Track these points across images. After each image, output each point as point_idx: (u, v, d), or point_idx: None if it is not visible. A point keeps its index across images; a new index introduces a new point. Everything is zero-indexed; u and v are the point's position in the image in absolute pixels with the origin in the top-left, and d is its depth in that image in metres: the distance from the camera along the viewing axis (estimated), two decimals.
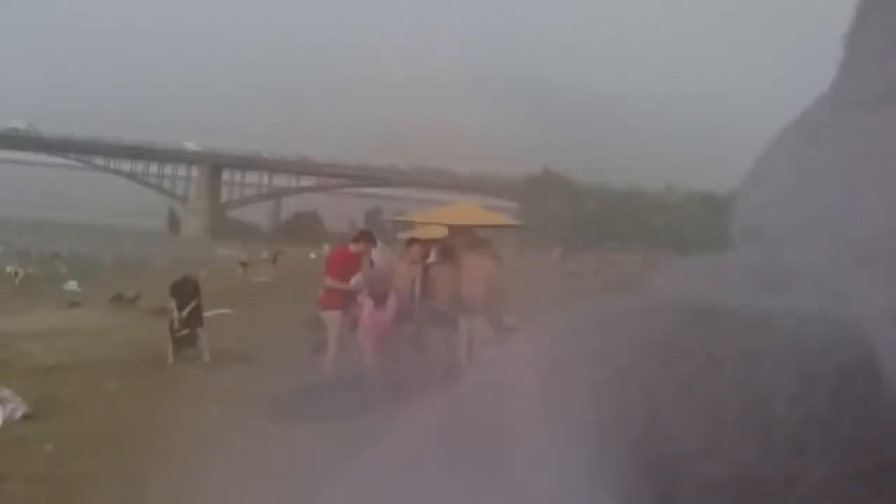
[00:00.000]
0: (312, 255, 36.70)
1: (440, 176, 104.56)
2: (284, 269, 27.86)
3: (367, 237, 8.33)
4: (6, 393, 6.01)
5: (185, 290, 9.23)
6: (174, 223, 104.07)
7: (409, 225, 13.30)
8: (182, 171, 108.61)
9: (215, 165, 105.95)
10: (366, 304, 7.59)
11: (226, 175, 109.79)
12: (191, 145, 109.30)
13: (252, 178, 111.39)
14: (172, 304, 8.97)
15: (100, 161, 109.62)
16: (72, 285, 20.63)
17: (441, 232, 10.12)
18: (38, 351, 9.34)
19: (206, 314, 9.57)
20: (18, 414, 5.95)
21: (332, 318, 7.64)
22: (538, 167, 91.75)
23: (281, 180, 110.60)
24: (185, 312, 8.89)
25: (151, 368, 8.32)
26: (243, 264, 26.87)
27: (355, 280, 7.68)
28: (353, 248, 8.03)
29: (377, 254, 9.08)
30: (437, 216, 11.59)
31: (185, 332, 8.91)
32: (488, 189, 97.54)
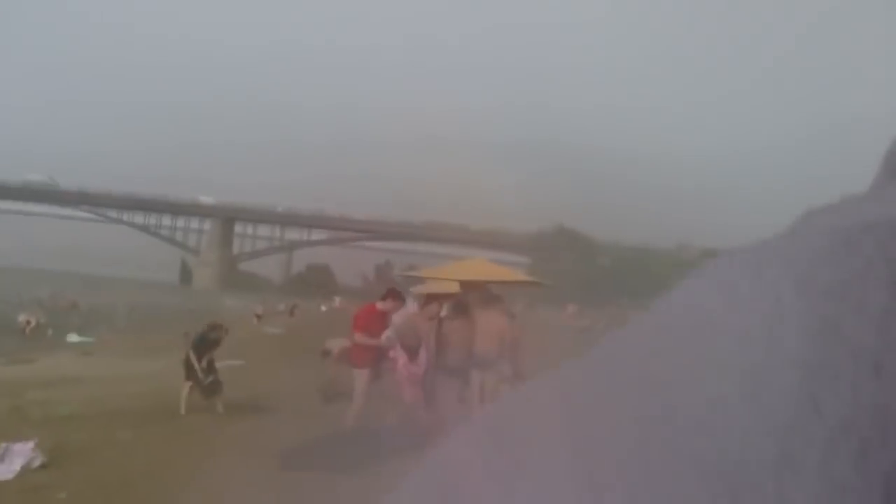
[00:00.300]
0: (323, 308, 36.75)
1: (452, 231, 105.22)
2: (296, 322, 27.97)
3: (395, 295, 8.43)
4: (25, 447, 6.06)
5: (210, 339, 9.24)
6: (186, 275, 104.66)
7: (421, 280, 13.34)
8: (195, 223, 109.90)
9: (228, 218, 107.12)
10: (400, 358, 7.67)
11: (238, 228, 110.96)
12: (205, 198, 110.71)
13: (264, 231, 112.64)
14: (192, 354, 8.98)
15: (113, 214, 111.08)
16: (73, 337, 20.65)
17: (454, 287, 10.18)
18: (52, 400, 9.38)
19: (219, 365, 9.60)
20: (36, 463, 5.99)
21: (361, 375, 7.67)
22: (551, 223, 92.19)
23: (293, 234, 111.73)
24: (204, 362, 8.94)
25: (164, 418, 8.30)
26: (258, 316, 26.95)
27: (385, 336, 7.77)
28: (380, 305, 8.12)
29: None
30: (449, 271, 11.64)
31: (212, 378, 8.92)
32: (500, 244, 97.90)
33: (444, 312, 8.49)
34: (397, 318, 9.11)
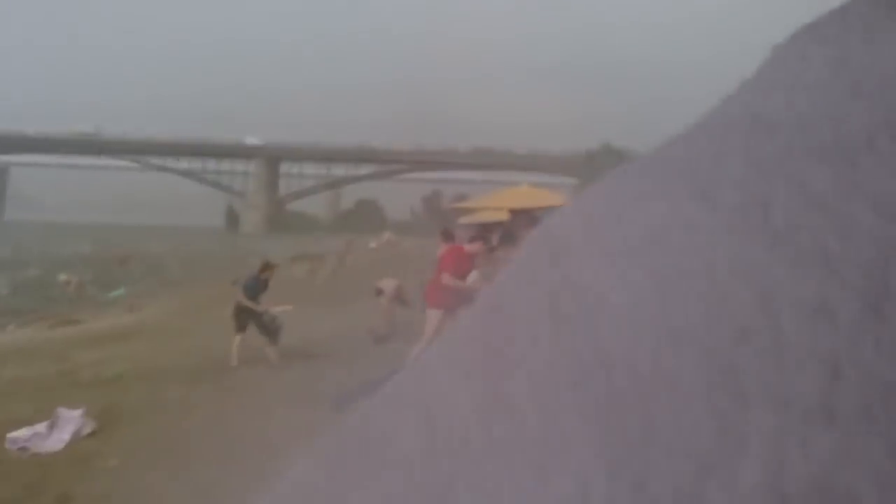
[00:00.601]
0: (372, 245, 36.53)
1: (498, 156, 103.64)
2: (346, 259, 27.77)
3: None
4: (74, 413, 5.91)
5: (263, 280, 9.13)
6: (233, 219, 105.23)
7: (470, 210, 12.96)
8: (240, 166, 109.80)
9: (273, 158, 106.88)
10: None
11: (283, 167, 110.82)
12: (250, 139, 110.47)
13: (310, 169, 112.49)
14: (246, 299, 8.80)
15: (156, 161, 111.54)
16: (114, 293, 20.78)
17: (503, 215, 9.78)
18: (100, 361, 9.35)
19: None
20: (87, 430, 5.85)
21: (436, 316, 7.31)
22: (597, 143, 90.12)
23: (339, 170, 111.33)
24: (260, 304, 8.79)
25: (215, 373, 8.14)
26: (313, 262, 26.87)
27: (472, 278, 7.43)
28: (468, 248, 7.75)
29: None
30: (496, 200, 11.23)
31: (272, 317, 8.81)
32: (548, 167, 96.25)
33: (494, 242, 8.10)
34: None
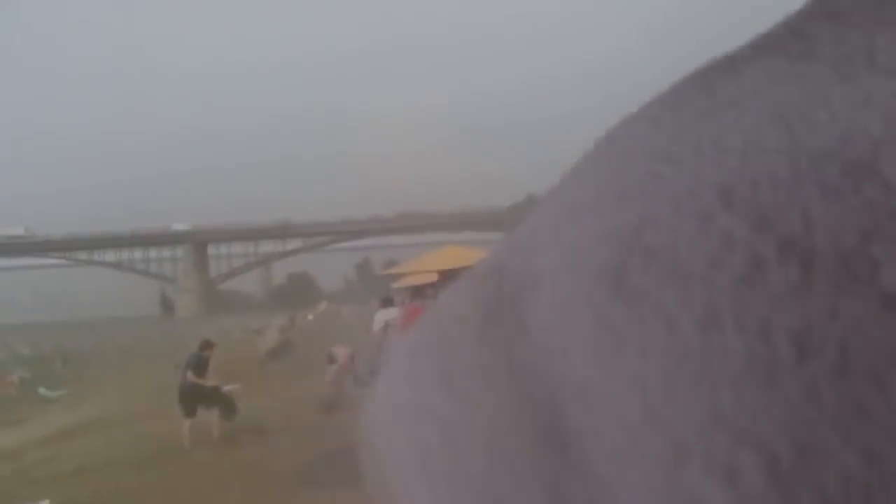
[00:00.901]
0: (310, 317, 36.33)
1: (423, 219, 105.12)
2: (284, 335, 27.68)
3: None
4: None
5: (205, 357, 9.16)
6: (167, 305, 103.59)
7: (400, 275, 13.37)
8: (168, 252, 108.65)
9: (200, 242, 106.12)
10: None
11: (212, 249, 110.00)
12: (178, 225, 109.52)
13: (238, 248, 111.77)
14: (192, 377, 8.86)
15: (83, 256, 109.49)
16: (43, 391, 20.27)
17: (432, 277, 10.23)
18: (54, 457, 9.31)
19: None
20: None
21: None
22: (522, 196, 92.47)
23: (267, 246, 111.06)
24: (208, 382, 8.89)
25: (169, 457, 8.21)
26: (258, 332, 26.66)
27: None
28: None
29: (379, 315, 9.44)
30: (424, 263, 11.70)
31: (224, 397, 8.88)
32: (473, 224, 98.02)
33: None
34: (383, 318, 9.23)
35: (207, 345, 9.40)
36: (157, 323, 75.45)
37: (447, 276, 9.66)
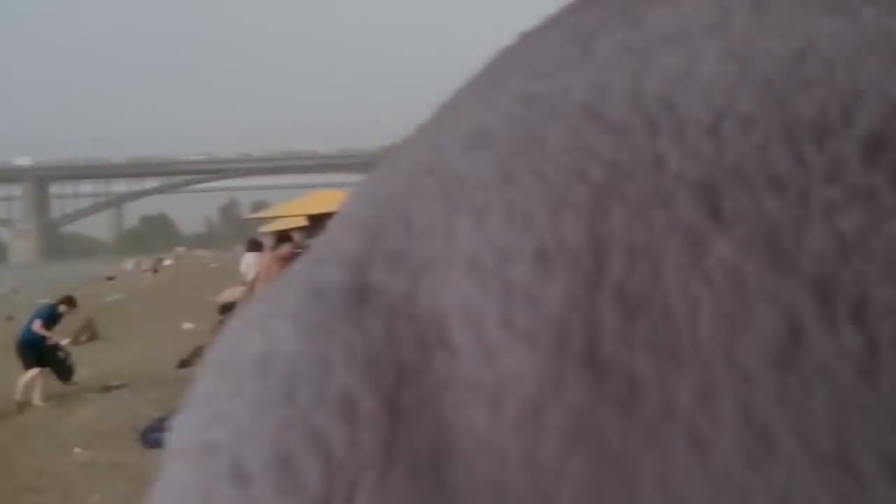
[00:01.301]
0: (167, 262, 34.56)
1: (295, 159, 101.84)
2: (132, 284, 26.03)
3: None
4: None
5: (59, 314, 8.67)
6: (0, 249, 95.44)
7: (270, 220, 12.81)
8: (2, 191, 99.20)
9: (42, 179, 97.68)
10: None
11: (55, 188, 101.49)
12: (19, 160, 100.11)
13: (86, 187, 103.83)
14: (42, 330, 8.29)
15: None
16: None
17: (300, 221, 9.81)
18: None
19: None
20: None
21: None
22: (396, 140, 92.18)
23: (119, 186, 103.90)
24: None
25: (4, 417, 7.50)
26: (109, 278, 25.08)
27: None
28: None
29: (248, 259, 8.95)
30: (297, 207, 11.18)
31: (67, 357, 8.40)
32: (347, 167, 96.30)
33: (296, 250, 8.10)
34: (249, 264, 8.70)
35: (68, 300, 8.93)
36: None
37: (317, 220, 9.19)
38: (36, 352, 8.09)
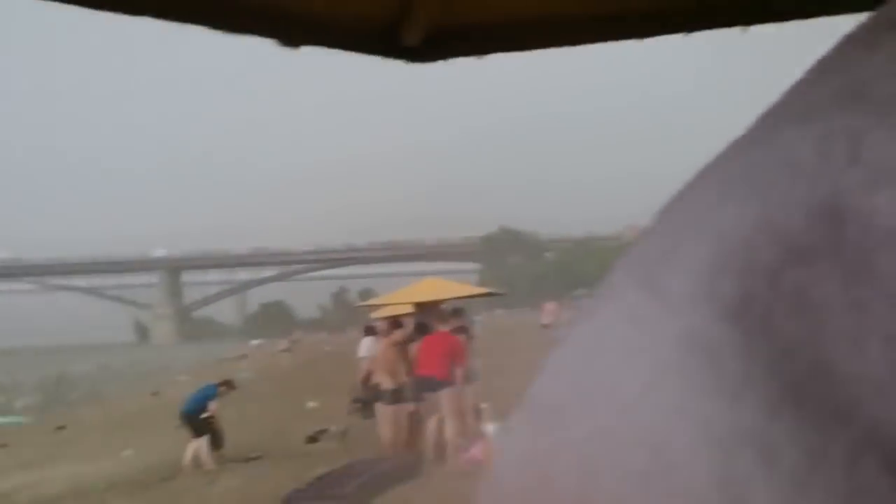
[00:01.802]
0: (283, 347, 36.25)
1: (397, 248, 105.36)
2: (259, 364, 27.82)
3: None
4: None
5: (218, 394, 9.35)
6: (142, 332, 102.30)
7: (378, 307, 13.63)
8: (142, 279, 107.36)
9: (174, 268, 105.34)
10: None
11: (187, 276, 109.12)
12: (156, 252, 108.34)
13: (213, 276, 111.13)
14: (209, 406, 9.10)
15: (59, 280, 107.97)
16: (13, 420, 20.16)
17: (407, 308, 10.55)
18: (36, 482, 9.43)
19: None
20: None
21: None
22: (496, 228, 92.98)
23: (242, 274, 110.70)
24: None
25: (155, 483, 8.37)
26: (240, 357, 26.40)
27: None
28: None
29: (365, 343, 9.91)
30: (405, 295, 12.00)
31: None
32: (448, 255, 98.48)
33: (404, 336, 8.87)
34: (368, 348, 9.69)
35: (228, 384, 9.67)
36: (131, 349, 74.60)
37: (423, 307, 10.05)
38: (197, 423, 8.97)
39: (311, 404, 13.01)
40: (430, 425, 7.77)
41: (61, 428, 15.91)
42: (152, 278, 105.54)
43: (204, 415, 8.99)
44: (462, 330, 8.56)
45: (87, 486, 8.72)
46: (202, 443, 8.87)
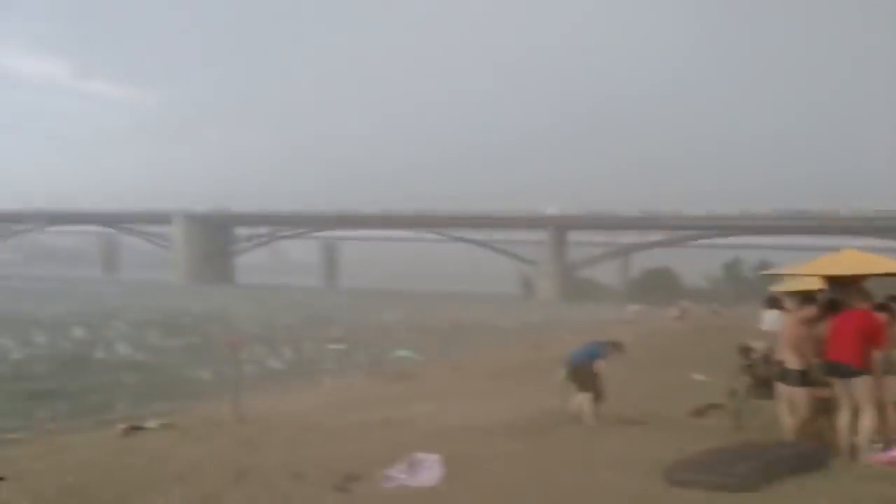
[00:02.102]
0: (674, 314, 35.32)
1: (807, 218, 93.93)
2: (645, 329, 27.38)
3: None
4: (431, 458, 6.51)
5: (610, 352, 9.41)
6: (528, 287, 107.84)
7: (780, 278, 12.21)
8: (530, 235, 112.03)
9: (561, 227, 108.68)
10: None
11: (572, 236, 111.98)
12: (549, 209, 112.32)
13: (598, 237, 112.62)
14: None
15: (456, 233, 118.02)
16: (401, 352, 22.71)
17: (814, 283, 9.12)
18: (431, 414, 10.30)
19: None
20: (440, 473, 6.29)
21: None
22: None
23: (627, 238, 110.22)
24: None
25: (535, 431, 8.47)
26: (628, 321, 26.69)
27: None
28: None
29: (770, 316, 8.77)
30: (817, 267, 10.46)
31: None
32: (869, 229, 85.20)
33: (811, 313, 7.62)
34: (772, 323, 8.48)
35: (617, 345, 9.61)
36: (517, 302, 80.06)
37: (838, 282, 8.48)
38: (583, 378, 9.01)
39: (698, 377, 12.28)
40: (843, 416, 6.71)
41: (456, 368, 17.56)
42: (542, 235, 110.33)
43: (590, 371, 8.95)
44: (884, 308, 7.24)
45: (476, 423, 9.18)
46: (586, 398, 8.86)
